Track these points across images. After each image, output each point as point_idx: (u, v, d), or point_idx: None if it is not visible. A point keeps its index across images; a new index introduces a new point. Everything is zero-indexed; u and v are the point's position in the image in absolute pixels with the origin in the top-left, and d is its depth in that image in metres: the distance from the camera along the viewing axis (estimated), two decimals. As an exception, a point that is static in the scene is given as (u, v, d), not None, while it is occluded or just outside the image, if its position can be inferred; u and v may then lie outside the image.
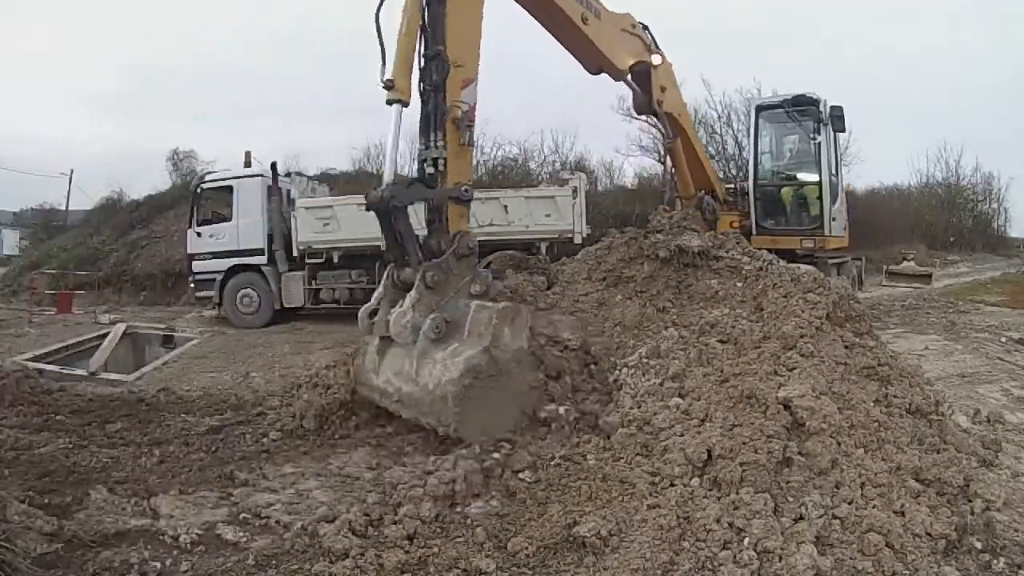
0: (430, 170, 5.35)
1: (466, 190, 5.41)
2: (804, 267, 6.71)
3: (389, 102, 5.17)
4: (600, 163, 25.41)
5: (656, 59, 8.05)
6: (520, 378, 4.82)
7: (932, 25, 64.01)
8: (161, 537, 3.58)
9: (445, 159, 5.31)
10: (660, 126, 9.07)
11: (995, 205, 29.78)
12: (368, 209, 5.35)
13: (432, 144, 5.31)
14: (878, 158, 48.69)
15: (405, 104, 5.22)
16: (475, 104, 5.58)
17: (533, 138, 29.36)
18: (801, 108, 9.91)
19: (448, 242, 5.22)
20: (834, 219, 9.83)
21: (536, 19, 6.93)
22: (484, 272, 5.30)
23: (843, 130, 9.82)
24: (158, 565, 3.28)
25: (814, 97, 9.84)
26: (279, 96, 48.70)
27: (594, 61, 7.43)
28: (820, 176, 9.75)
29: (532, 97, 41.49)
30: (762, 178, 10.41)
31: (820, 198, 9.72)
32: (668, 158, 9.95)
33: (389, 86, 5.15)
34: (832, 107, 9.65)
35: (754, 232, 9.90)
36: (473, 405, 4.55)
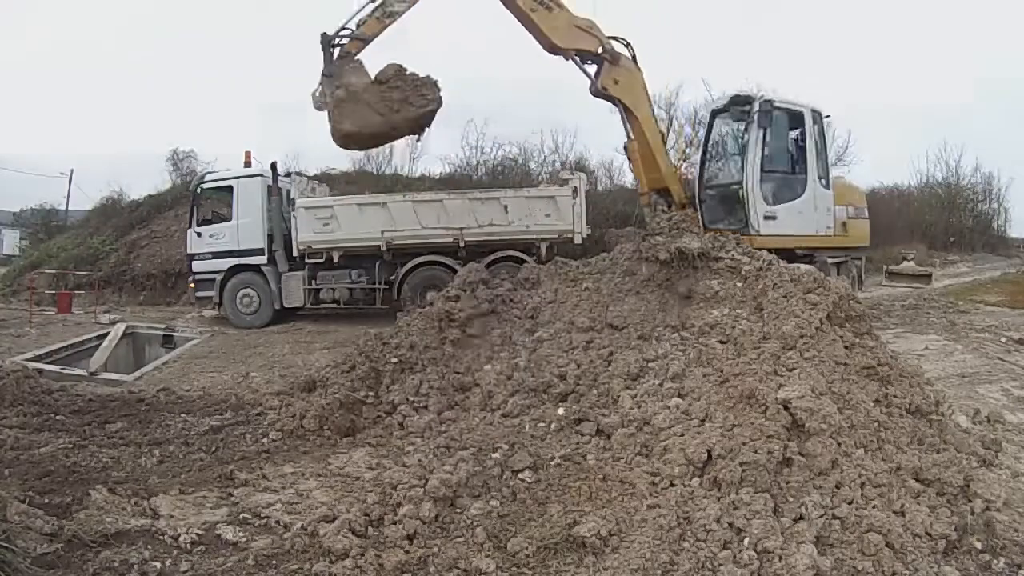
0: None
1: None
2: (804, 267, 6.70)
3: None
4: (600, 163, 25.34)
5: (600, 50, 9.37)
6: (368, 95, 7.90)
7: (932, 25, 64.04)
8: (161, 537, 3.58)
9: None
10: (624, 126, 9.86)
11: (995, 205, 29.71)
12: None
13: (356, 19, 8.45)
14: (878, 158, 48.66)
15: None
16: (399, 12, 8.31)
17: (533, 138, 29.34)
18: (738, 107, 10.07)
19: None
20: (773, 217, 9.73)
21: (501, 2, 8.83)
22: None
23: (768, 125, 9.74)
24: (158, 565, 3.29)
25: (748, 95, 10.09)
26: (279, 96, 48.75)
27: (542, 40, 9.15)
28: (745, 174, 9.75)
29: (533, 97, 41.45)
30: (705, 179, 10.58)
31: (744, 197, 9.71)
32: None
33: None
34: (762, 103, 9.72)
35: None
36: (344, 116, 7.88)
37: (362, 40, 8.38)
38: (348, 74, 8.09)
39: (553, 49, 9.29)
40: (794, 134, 10.24)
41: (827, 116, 11.02)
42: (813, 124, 10.23)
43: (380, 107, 8.02)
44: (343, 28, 8.41)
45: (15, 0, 60.33)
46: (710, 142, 10.83)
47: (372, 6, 8.38)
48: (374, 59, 8.52)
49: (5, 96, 54.29)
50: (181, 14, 62.02)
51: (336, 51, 8.34)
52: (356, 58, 8.30)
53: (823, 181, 10.34)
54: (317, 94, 8.24)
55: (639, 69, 9.72)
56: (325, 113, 8.12)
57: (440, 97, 8.23)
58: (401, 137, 8.97)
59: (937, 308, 12.57)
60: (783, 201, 9.91)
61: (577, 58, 9.44)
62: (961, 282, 17.89)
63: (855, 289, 9.89)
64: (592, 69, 9.55)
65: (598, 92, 9.67)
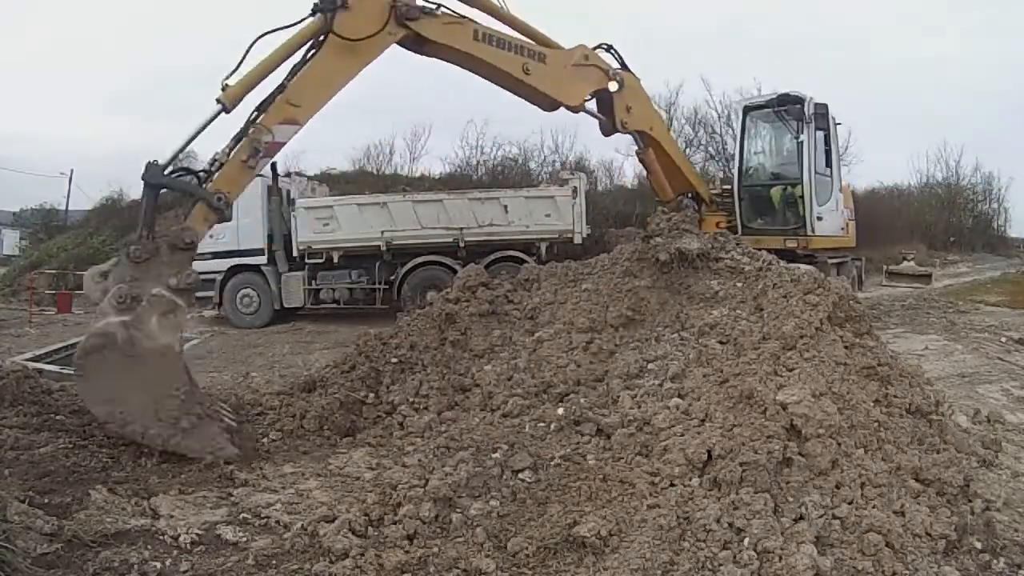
0: (207, 168, 5.48)
1: (219, 199, 5.29)
2: (804, 267, 6.71)
3: (217, 100, 5.32)
4: (600, 163, 25.42)
5: (613, 85, 7.88)
6: (161, 376, 4.70)
7: (934, 25, 64.09)
8: (161, 537, 3.58)
9: (223, 164, 5.36)
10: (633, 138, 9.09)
11: (995, 205, 29.78)
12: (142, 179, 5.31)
13: (225, 149, 5.40)
14: (878, 158, 48.68)
15: (226, 110, 5.34)
16: (282, 143, 5.61)
17: (533, 138, 29.30)
18: (786, 107, 9.89)
19: (176, 232, 5.18)
20: (820, 218, 9.73)
21: (478, 75, 6.99)
22: (192, 273, 5.05)
23: (826, 128, 9.76)
24: (158, 565, 3.28)
25: (799, 95, 9.79)
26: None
27: (546, 103, 7.44)
28: (802, 175, 9.63)
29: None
30: (747, 178, 10.45)
31: (803, 198, 9.65)
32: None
33: (224, 88, 5.30)
34: (816, 105, 9.61)
35: (739, 232, 9.84)
36: (98, 371, 4.63)
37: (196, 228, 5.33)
38: (144, 315, 4.77)
39: (569, 109, 7.54)
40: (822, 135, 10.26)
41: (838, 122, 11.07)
42: (834, 126, 10.28)
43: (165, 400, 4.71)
44: (179, 156, 5.81)
45: (15, 0, 60.28)
46: (746, 140, 10.61)
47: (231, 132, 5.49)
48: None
49: (5, 96, 54.30)
50: (180, 14, 62.01)
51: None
52: (176, 277, 5.01)
53: (839, 183, 10.46)
54: (93, 281, 5.11)
55: (636, 77, 8.33)
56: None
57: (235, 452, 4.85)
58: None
59: (937, 308, 12.58)
60: (823, 203, 9.95)
61: (593, 107, 7.94)
62: (961, 282, 17.90)
63: (855, 289, 9.92)
64: (592, 104, 8.03)
65: (615, 131, 8.23)
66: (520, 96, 7.32)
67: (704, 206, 9.81)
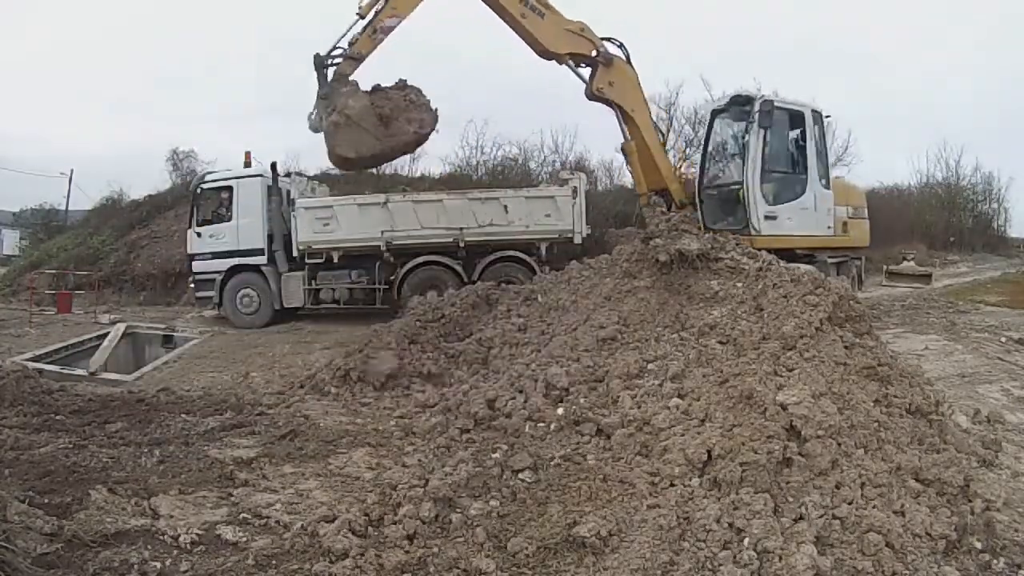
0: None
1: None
2: (804, 267, 6.71)
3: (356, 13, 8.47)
4: (600, 163, 25.30)
5: (593, 53, 9.52)
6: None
7: (933, 26, 64.07)
8: (161, 537, 3.58)
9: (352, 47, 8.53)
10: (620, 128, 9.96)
11: (995, 205, 29.69)
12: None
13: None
14: (878, 158, 48.65)
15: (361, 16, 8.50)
16: (392, 27, 8.47)
17: (533, 138, 29.24)
18: (736, 107, 10.07)
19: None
20: (773, 217, 9.70)
21: (492, 10, 9.08)
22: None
23: (769, 126, 9.67)
24: (158, 565, 3.29)
25: (749, 95, 10.05)
26: (279, 96, 48.75)
27: (534, 46, 9.32)
28: (744, 175, 9.72)
29: (533, 97, 41.42)
30: (706, 179, 10.58)
31: (744, 197, 9.70)
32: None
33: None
34: (763, 103, 9.63)
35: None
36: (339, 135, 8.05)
37: (355, 59, 8.33)
38: (343, 96, 8.03)
39: (545, 54, 9.37)
40: (794, 134, 10.23)
41: (827, 116, 11.00)
42: (814, 124, 10.22)
43: (376, 131, 8.10)
44: (335, 47, 8.38)
45: (15, 0, 60.30)
46: (711, 142, 10.81)
47: (363, 23, 8.37)
48: (374, 61, 8.53)
49: (5, 96, 54.30)
50: (181, 14, 62.04)
51: (330, 72, 8.28)
52: (351, 78, 8.29)
53: (823, 181, 10.31)
54: (313, 116, 8.29)
55: (634, 70, 9.77)
56: (322, 134, 8.16)
57: (436, 120, 8.44)
58: (396, 158, 9.31)
59: (937, 308, 12.55)
60: (784, 201, 9.91)
61: (571, 62, 9.56)
62: (961, 282, 17.88)
63: (855, 289, 9.87)
64: (587, 72, 9.62)
65: (593, 95, 9.78)
66: (519, 35, 9.25)
67: (674, 206, 9.97)
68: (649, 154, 9.98)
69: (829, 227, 10.36)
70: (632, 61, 9.77)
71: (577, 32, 9.35)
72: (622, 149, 10.40)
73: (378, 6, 8.37)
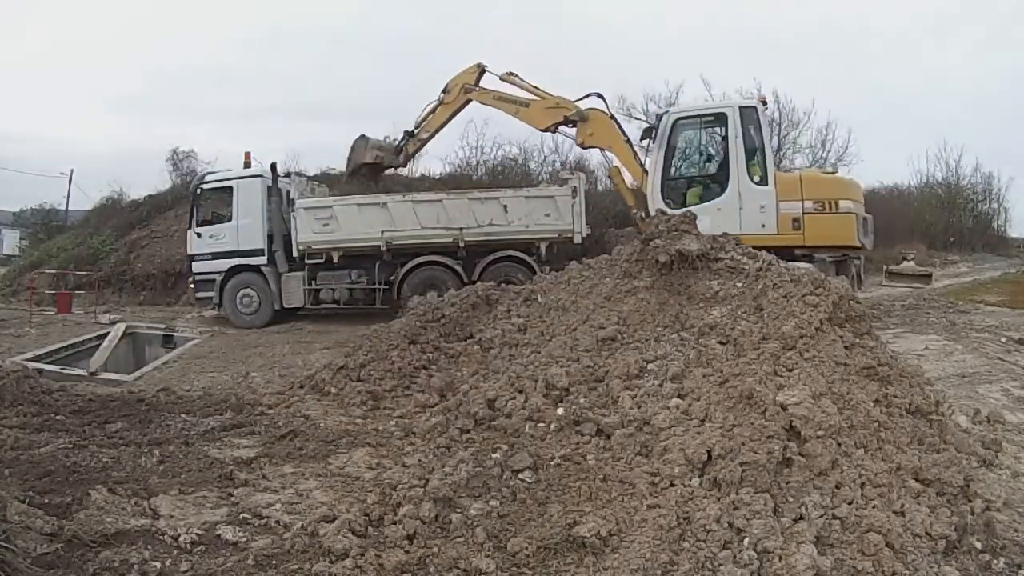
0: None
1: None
2: (804, 267, 6.71)
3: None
4: (600, 163, 25.17)
5: (572, 115, 11.64)
6: None
7: (933, 26, 64.06)
8: (161, 537, 3.58)
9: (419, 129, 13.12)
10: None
11: (995, 205, 29.70)
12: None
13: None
14: (878, 158, 48.68)
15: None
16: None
17: (533, 138, 29.22)
18: (650, 129, 11.22)
19: None
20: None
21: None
22: None
23: (651, 138, 10.93)
24: (158, 565, 3.29)
25: (659, 113, 11.95)
26: (279, 96, 48.79)
27: (530, 126, 12.47)
28: (646, 180, 10.92)
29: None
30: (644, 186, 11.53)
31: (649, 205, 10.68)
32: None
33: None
34: (664, 117, 10.96)
35: None
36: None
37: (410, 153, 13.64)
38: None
39: (539, 130, 12.46)
40: (719, 136, 10.87)
41: (765, 106, 11.15)
42: (741, 122, 10.21)
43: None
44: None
45: (15, 0, 60.27)
46: (645, 160, 11.80)
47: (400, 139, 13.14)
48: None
49: (5, 96, 54.29)
50: (181, 14, 62.00)
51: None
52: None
53: (757, 178, 10.03)
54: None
55: (611, 115, 11.73)
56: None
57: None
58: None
59: (937, 308, 12.55)
60: (701, 203, 10.07)
61: (561, 128, 12.02)
62: (961, 282, 17.88)
63: (855, 289, 9.83)
64: (573, 130, 11.86)
65: (582, 145, 12.15)
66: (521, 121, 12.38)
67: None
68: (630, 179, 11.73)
69: (764, 225, 9.82)
70: (609, 107, 11.85)
71: (554, 107, 11.74)
72: (609, 177, 13.51)
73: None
